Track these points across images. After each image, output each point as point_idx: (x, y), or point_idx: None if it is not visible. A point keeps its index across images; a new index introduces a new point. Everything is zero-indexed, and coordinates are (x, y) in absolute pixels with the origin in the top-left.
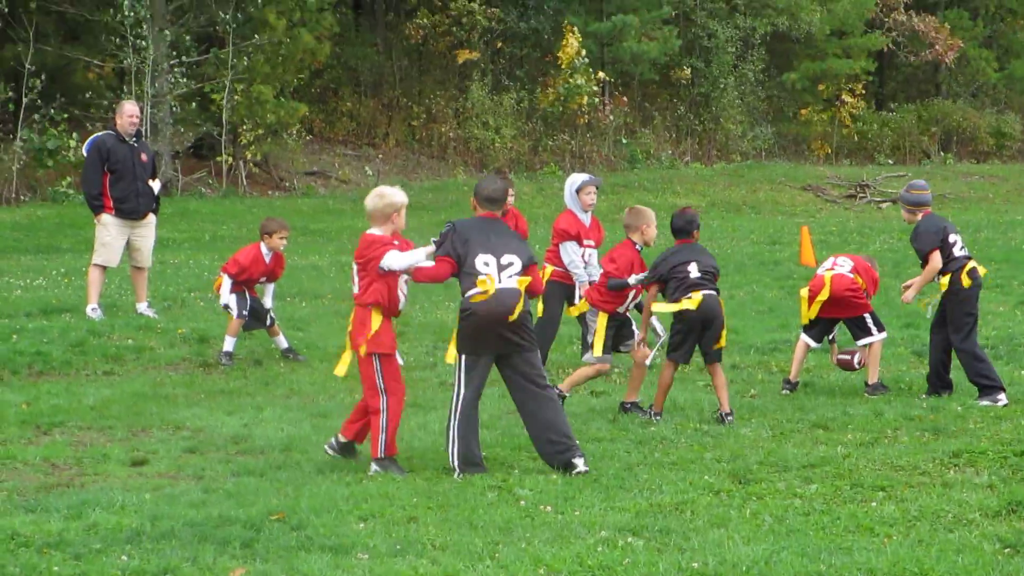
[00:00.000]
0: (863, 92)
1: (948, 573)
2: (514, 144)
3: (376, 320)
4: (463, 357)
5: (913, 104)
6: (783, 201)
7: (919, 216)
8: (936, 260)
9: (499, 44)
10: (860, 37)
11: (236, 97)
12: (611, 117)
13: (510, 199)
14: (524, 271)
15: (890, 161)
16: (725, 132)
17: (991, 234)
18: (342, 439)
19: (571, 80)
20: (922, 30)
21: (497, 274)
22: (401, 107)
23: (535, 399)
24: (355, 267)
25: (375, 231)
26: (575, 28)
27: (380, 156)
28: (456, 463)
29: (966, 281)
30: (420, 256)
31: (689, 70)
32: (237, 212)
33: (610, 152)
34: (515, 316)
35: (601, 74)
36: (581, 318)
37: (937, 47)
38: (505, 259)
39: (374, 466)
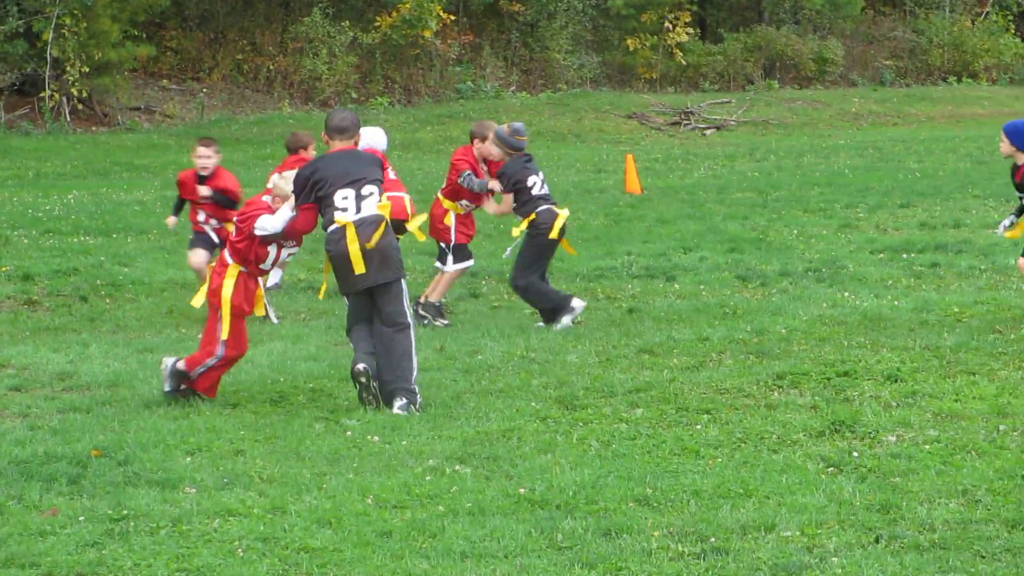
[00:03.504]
0: (688, 20)
1: (772, 493)
2: (342, 76)
3: (231, 274)
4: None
5: (738, 32)
6: (608, 129)
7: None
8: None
9: None
10: None
11: (65, 33)
12: (451, 48)
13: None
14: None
15: (714, 88)
16: (552, 61)
17: (814, 159)
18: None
19: (417, 10)
20: None
21: (356, 204)
22: (228, 41)
23: (380, 337)
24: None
25: (266, 198)
26: None
27: (205, 90)
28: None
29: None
30: (287, 212)
31: (519, 1)
32: (60, 148)
33: (437, 84)
34: (371, 244)
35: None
36: None
37: None
38: (365, 190)
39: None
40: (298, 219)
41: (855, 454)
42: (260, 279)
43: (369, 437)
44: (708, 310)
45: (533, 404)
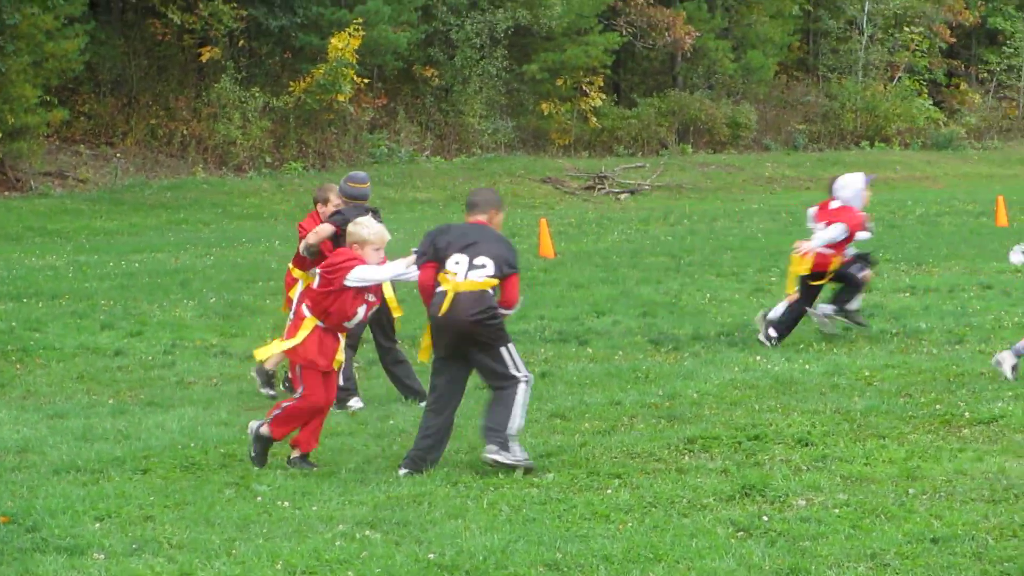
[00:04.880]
0: (602, 85)
1: (682, 557)
2: (255, 141)
3: (306, 329)
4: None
5: (652, 96)
6: (523, 193)
7: None
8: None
9: (241, 42)
10: (598, 35)
11: None
12: (365, 112)
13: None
14: (496, 276)
15: (628, 152)
16: (466, 126)
17: (727, 223)
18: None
19: (332, 76)
20: (659, 20)
21: (465, 273)
22: (141, 106)
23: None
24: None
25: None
26: (349, 25)
27: (119, 155)
28: None
29: None
30: (398, 268)
31: (432, 66)
32: None
33: (351, 148)
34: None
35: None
36: None
37: (675, 33)
38: (478, 260)
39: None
40: (420, 275)
41: (765, 518)
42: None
43: (279, 502)
44: (620, 374)
45: (444, 469)
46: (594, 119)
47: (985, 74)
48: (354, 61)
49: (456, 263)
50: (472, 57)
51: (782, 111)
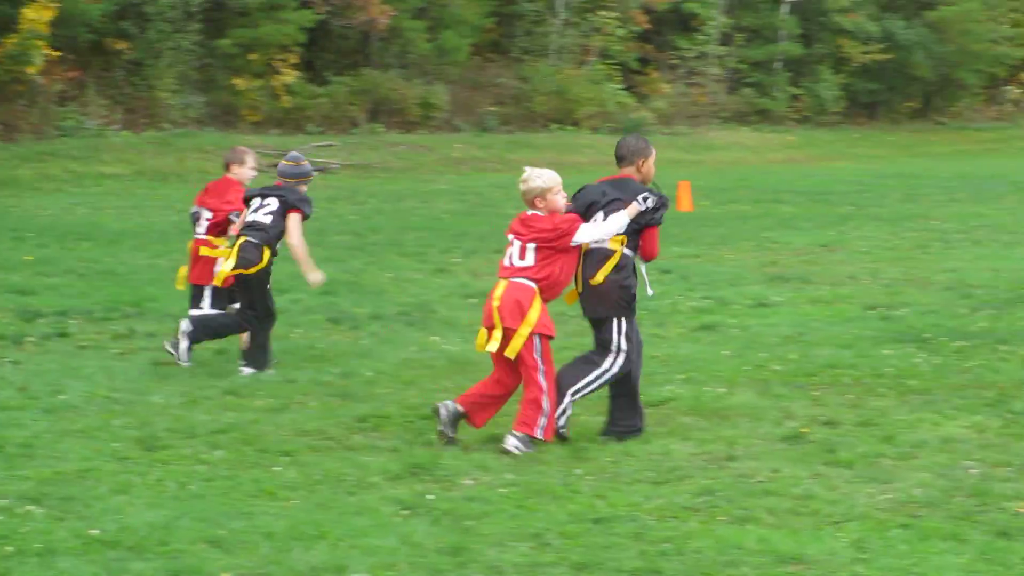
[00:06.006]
0: (296, 62)
1: (346, 535)
2: None
3: (539, 300)
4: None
5: (344, 75)
6: (211, 170)
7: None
8: None
9: None
10: (293, 12)
11: None
12: (55, 85)
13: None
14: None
15: (319, 130)
16: (157, 100)
17: (414, 203)
18: (460, 409)
19: (22, 47)
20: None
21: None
22: None
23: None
24: (519, 243)
25: (538, 213)
26: None
27: None
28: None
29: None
30: (623, 220)
31: (125, 39)
32: None
33: (40, 120)
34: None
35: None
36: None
37: (370, 12)
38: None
39: (514, 441)
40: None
41: (431, 497)
42: None
43: None
44: (296, 352)
45: (113, 444)
46: (286, 96)
47: (677, 60)
48: (47, 32)
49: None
50: (165, 31)
51: (474, 92)
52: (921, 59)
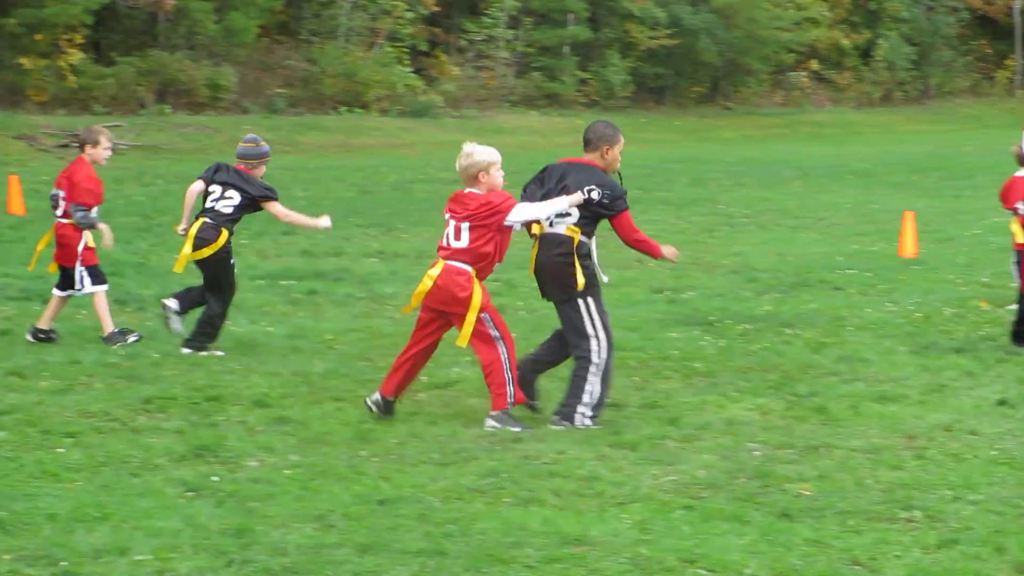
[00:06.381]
0: (82, 42)
1: (129, 516)
2: None
3: (477, 282)
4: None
5: (132, 56)
6: None
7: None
8: None
9: None
10: None
11: None
12: None
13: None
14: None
15: (107, 111)
16: None
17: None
18: (384, 397)
19: None
20: None
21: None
22: None
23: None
24: (455, 222)
25: (474, 191)
26: None
27: None
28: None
29: None
30: (561, 204)
31: None
32: None
33: None
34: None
35: None
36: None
37: None
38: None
39: (492, 422)
40: None
41: (215, 478)
42: None
43: None
44: (82, 333)
45: None
46: (72, 77)
47: (465, 43)
48: None
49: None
50: None
51: (263, 74)
52: (708, 44)
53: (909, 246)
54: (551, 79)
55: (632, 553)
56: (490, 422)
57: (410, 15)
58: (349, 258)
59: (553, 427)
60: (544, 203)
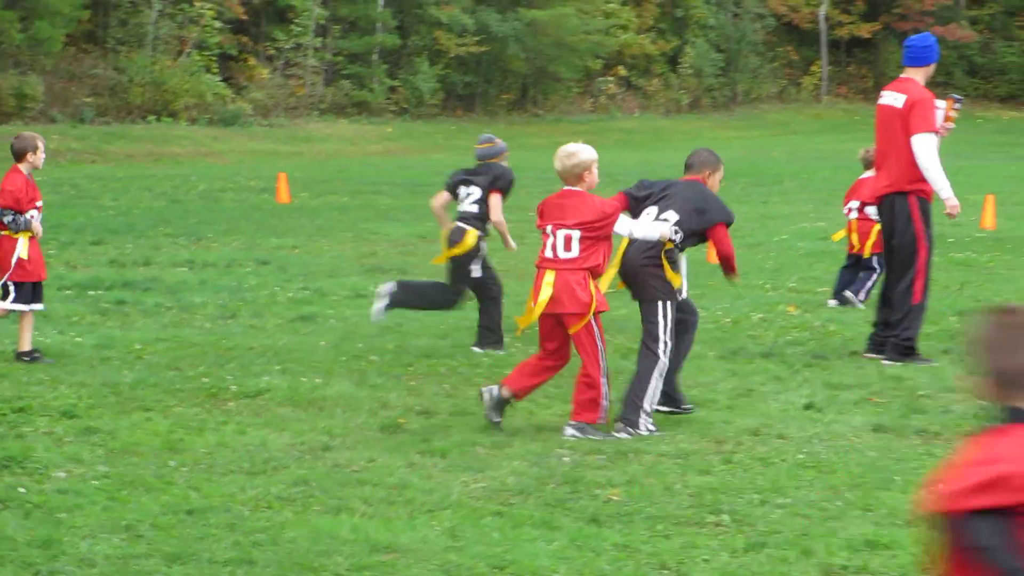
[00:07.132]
0: None
1: None
2: None
3: (591, 282)
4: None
5: None
6: None
7: None
8: None
9: None
10: None
11: None
12: None
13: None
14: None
15: None
16: None
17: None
18: (506, 392)
19: None
20: None
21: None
22: None
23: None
24: (564, 232)
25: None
26: None
27: None
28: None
29: None
30: (652, 235)
31: None
32: None
33: None
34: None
35: None
36: None
37: None
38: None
39: (572, 431)
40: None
41: (22, 490)
42: None
43: None
44: None
45: None
46: None
47: (274, 51)
48: None
49: (646, 215)
50: None
51: (70, 83)
52: (516, 52)
53: None
54: (360, 87)
55: (442, 560)
56: (570, 431)
57: (217, 24)
58: (158, 267)
59: (616, 435)
60: (639, 225)
